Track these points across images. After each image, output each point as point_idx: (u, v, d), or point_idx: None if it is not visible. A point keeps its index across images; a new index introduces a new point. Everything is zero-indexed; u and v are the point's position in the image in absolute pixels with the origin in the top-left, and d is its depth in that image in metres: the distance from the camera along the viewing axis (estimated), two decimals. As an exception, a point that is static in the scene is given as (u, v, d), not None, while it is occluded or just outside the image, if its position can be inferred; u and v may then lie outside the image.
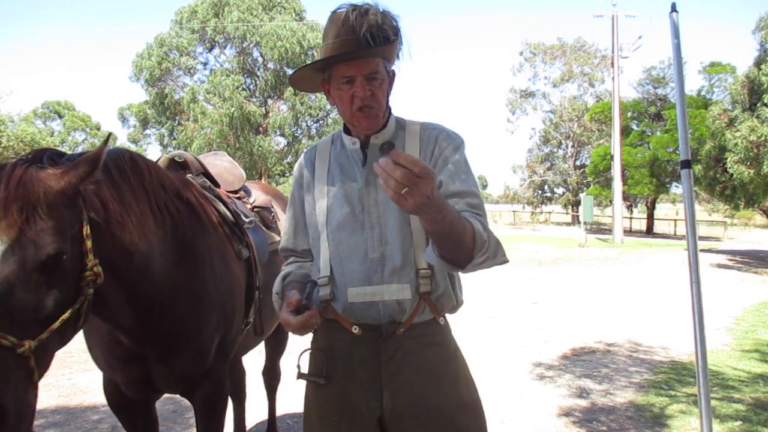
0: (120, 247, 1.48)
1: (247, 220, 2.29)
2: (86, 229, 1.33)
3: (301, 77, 1.49)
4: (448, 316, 1.51)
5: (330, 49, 1.36)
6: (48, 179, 1.27)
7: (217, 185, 2.39)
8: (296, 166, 1.62)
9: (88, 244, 1.33)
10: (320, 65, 1.40)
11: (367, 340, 1.42)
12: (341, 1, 1.39)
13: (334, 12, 1.37)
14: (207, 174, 2.36)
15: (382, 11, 1.35)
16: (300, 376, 1.47)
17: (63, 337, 1.32)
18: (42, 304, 1.22)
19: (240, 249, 2.13)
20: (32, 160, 1.35)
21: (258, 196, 2.73)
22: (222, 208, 2.19)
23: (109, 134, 1.36)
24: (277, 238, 2.51)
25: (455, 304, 1.49)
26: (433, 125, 1.52)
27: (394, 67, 1.47)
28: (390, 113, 1.50)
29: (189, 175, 2.23)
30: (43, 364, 1.26)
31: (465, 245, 1.21)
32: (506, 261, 1.34)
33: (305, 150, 1.63)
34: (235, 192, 2.56)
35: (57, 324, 1.24)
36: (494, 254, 1.29)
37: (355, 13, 1.33)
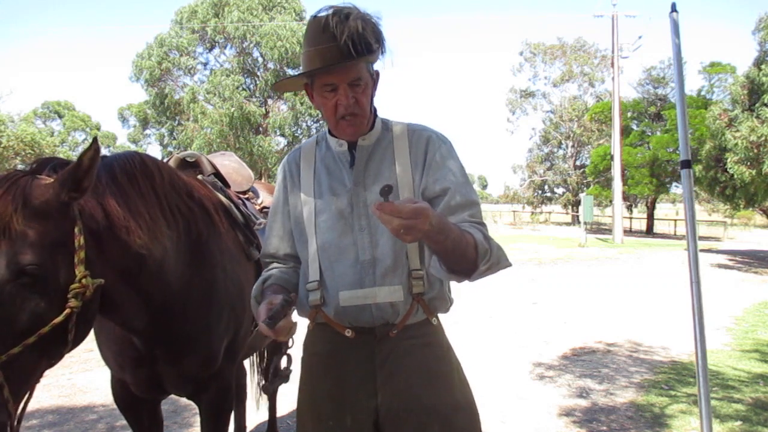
0: (131, 253, 1.47)
1: (257, 221, 2.28)
2: (79, 240, 1.29)
3: (284, 85, 1.52)
4: (441, 315, 1.50)
5: (311, 58, 1.33)
6: (34, 190, 1.25)
7: (228, 185, 2.37)
8: (279, 169, 1.58)
9: (81, 254, 1.29)
10: (303, 75, 1.38)
11: (360, 342, 1.41)
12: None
13: (314, 17, 1.33)
14: (218, 174, 2.34)
15: (364, 16, 1.30)
16: (266, 386, 1.42)
17: (48, 353, 1.27)
18: (15, 318, 1.18)
19: (251, 250, 2.12)
20: (33, 170, 1.35)
21: (265, 197, 2.72)
22: (233, 209, 2.17)
23: (94, 139, 1.29)
24: None
25: (447, 305, 1.49)
26: (420, 126, 1.50)
27: (377, 67, 1.43)
28: (376, 114, 1.48)
29: (200, 176, 2.22)
30: (20, 381, 1.22)
31: (468, 257, 1.25)
32: (509, 265, 1.37)
33: (288, 152, 1.61)
34: (244, 193, 2.55)
35: (32, 339, 1.19)
36: (497, 261, 1.32)
37: (336, 18, 1.28)
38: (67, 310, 1.25)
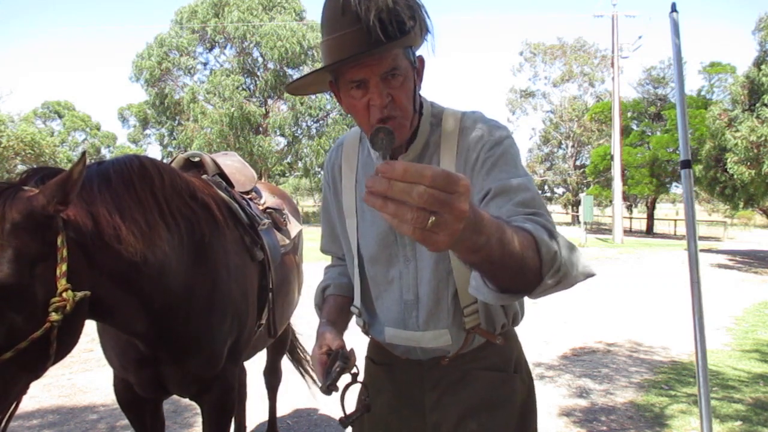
0: (124, 260, 1.44)
1: (261, 222, 2.28)
2: (62, 252, 1.25)
3: (301, 85, 1.20)
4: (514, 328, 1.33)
5: (330, 48, 1.04)
6: (17, 203, 1.22)
7: (231, 185, 2.36)
8: (324, 166, 1.41)
9: (63, 267, 1.25)
10: (321, 70, 1.10)
11: (412, 364, 1.32)
12: None
13: None
14: (222, 174, 2.33)
15: None
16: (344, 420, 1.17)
17: (29, 367, 1.24)
18: None
19: (255, 251, 2.11)
20: (20, 181, 1.32)
21: (268, 197, 2.71)
22: (238, 209, 2.16)
23: (83, 153, 1.26)
24: (287, 241, 2.50)
25: (506, 321, 1.26)
26: (472, 119, 1.19)
27: (420, 52, 1.14)
28: (422, 112, 1.19)
29: (205, 176, 2.21)
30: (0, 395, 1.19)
31: (528, 266, 0.82)
32: (592, 274, 0.97)
33: (333, 145, 1.40)
34: (247, 193, 2.54)
35: (9, 354, 1.16)
36: (570, 268, 0.89)
37: None
38: (47, 325, 1.21)
